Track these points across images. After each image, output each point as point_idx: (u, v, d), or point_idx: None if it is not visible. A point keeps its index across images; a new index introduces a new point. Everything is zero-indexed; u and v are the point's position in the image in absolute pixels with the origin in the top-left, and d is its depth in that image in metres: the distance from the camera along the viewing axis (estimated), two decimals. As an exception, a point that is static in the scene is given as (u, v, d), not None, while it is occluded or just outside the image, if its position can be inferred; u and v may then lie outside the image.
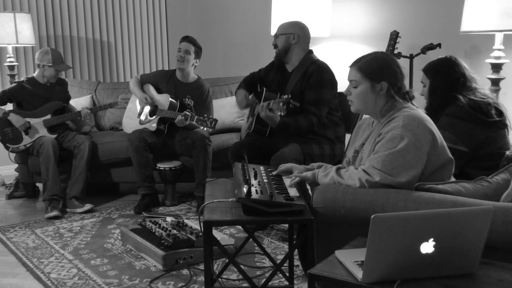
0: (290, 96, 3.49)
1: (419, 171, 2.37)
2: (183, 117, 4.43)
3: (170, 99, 4.74)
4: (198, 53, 4.81)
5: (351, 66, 2.58)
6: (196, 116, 4.38)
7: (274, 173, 2.85)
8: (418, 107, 2.55)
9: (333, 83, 3.86)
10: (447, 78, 3.07)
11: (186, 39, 4.78)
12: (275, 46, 3.96)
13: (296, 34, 3.90)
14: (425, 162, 2.40)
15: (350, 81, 2.57)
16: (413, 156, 2.35)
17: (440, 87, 3.08)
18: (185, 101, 4.78)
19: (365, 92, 2.52)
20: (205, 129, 4.35)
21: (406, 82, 2.68)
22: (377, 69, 2.50)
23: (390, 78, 2.50)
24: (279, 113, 3.50)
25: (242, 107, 4.20)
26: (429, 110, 2.98)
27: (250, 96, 4.12)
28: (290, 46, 3.90)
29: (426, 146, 2.39)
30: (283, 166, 2.88)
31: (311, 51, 3.99)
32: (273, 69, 4.09)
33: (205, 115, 4.36)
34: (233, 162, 3.59)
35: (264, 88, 3.98)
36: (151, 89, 4.93)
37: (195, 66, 4.86)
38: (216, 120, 4.33)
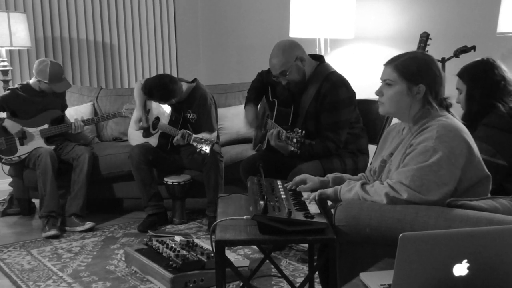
0: (303, 133, 3.35)
1: (451, 188, 2.35)
2: (181, 137, 4.42)
3: (171, 111, 4.78)
4: (168, 94, 4.62)
5: (386, 64, 2.55)
6: (193, 136, 4.35)
7: (288, 186, 2.85)
8: (455, 116, 2.53)
9: (351, 99, 3.82)
10: (485, 83, 3.06)
11: (148, 95, 4.66)
12: (287, 83, 3.83)
13: (298, 56, 3.80)
14: (459, 177, 2.38)
15: (384, 80, 2.54)
16: (447, 171, 2.33)
17: (479, 92, 3.07)
18: (188, 116, 4.78)
19: (400, 94, 2.49)
20: (203, 148, 4.25)
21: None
22: (416, 70, 2.48)
23: (429, 81, 2.48)
24: (291, 149, 3.45)
25: (253, 127, 4.19)
26: (466, 119, 2.94)
27: (259, 107, 4.11)
28: (304, 70, 3.83)
29: (461, 161, 2.37)
30: (297, 178, 2.87)
31: (321, 59, 3.94)
32: None
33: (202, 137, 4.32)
34: (245, 180, 3.57)
35: (276, 101, 3.97)
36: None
37: (181, 85, 4.74)
38: (214, 143, 4.31)
